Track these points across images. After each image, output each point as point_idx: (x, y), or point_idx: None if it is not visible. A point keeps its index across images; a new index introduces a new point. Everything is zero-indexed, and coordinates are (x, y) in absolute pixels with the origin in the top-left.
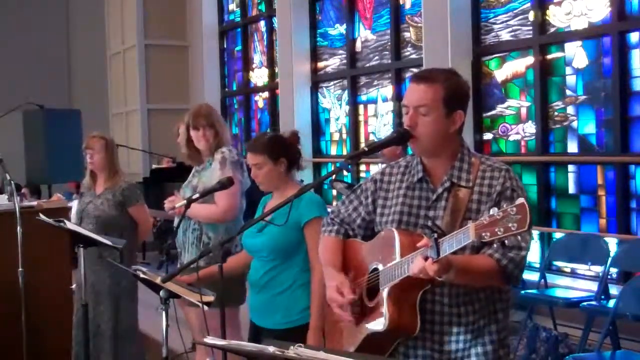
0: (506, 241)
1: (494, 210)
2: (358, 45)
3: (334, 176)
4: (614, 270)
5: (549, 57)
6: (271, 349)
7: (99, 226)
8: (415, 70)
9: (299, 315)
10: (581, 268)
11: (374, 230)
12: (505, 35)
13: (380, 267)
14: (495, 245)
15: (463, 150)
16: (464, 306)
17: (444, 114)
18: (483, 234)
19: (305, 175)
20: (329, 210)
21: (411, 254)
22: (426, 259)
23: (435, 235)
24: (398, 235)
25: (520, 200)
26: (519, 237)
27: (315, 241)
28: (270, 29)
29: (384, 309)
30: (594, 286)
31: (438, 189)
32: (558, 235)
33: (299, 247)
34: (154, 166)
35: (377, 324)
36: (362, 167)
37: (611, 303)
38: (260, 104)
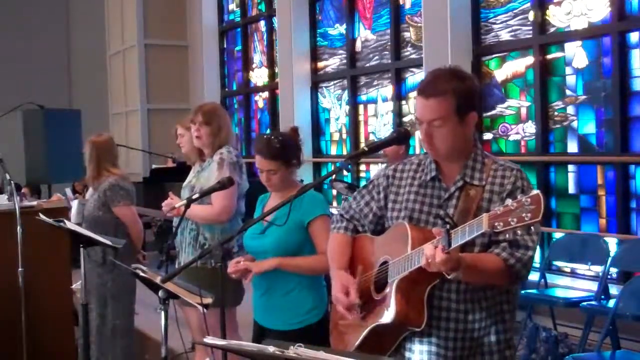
0: (513, 236)
1: (508, 201)
2: (358, 45)
3: (334, 176)
4: (614, 270)
5: (549, 57)
6: (271, 349)
7: (87, 226)
8: (415, 70)
9: (305, 317)
10: (581, 268)
11: (385, 225)
12: (505, 35)
13: (390, 260)
14: (502, 245)
15: (476, 150)
16: (471, 303)
17: (457, 122)
18: (496, 224)
19: (305, 175)
20: (337, 207)
21: (421, 247)
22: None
23: (447, 226)
24: (410, 229)
25: (535, 191)
26: (526, 237)
27: (321, 239)
28: (270, 29)
29: (392, 300)
30: (594, 286)
31: (450, 188)
32: (558, 235)
33: (303, 248)
34: (154, 166)
35: (384, 316)
36: (362, 167)
37: (611, 303)
38: (260, 104)
